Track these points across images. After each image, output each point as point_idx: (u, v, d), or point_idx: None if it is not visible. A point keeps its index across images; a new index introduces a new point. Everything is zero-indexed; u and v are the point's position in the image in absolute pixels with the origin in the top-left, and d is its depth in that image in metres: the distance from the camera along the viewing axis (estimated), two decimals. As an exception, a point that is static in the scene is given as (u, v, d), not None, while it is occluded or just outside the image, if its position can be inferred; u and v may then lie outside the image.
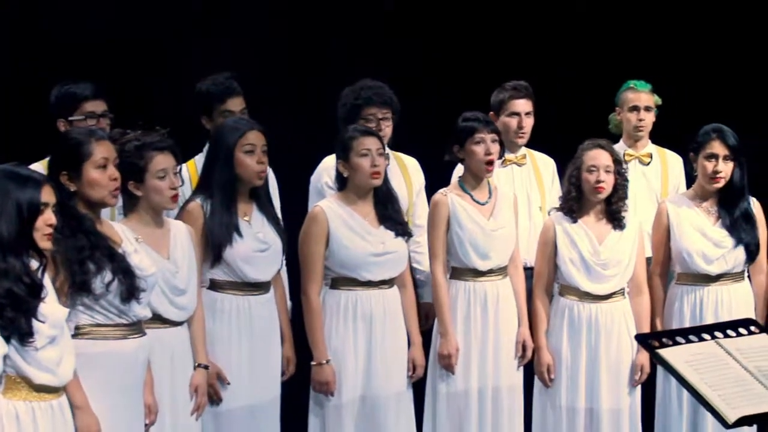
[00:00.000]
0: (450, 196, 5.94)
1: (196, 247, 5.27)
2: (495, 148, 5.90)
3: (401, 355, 5.78)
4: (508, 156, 6.47)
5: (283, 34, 7.53)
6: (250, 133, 5.49)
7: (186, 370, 5.20)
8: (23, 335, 4.07)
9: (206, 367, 5.26)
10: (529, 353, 6.01)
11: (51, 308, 4.18)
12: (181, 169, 5.29)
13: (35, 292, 4.11)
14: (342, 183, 5.76)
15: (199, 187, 5.54)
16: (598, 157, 5.92)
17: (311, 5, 7.56)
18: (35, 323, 4.10)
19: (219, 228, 5.38)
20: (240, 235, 5.42)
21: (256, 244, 5.46)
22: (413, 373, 5.83)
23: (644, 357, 5.91)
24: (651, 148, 6.84)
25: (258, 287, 5.51)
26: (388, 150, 5.98)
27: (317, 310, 5.67)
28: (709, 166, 6.04)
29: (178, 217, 5.39)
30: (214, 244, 5.37)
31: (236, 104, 6.10)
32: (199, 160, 5.93)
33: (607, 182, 5.91)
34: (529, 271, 6.14)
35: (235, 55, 7.19)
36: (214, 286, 5.46)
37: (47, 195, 4.16)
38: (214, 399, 5.38)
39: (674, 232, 6.11)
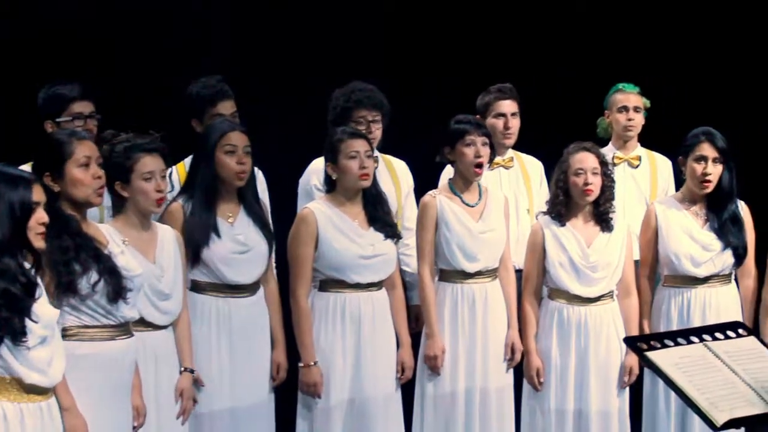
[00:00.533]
0: (439, 197, 5.94)
1: (182, 250, 5.27)
2: (485, 151, 5.90)
3: (390, 357, 5.78)
4: (495, 159, 6.47)
5: (274, 34, 7.53)
6: (231, 134, 5.49)
7: (170, 373, 5.18)
8: (16, 335, 4.07)
9: (192, 372, 5.25)
10: (518, 356, 6.01)
11: (44, 308, 4.18)
12: (171, 172, 5.28)
13: (31, 291, 4.11)
14: (331, 185, 5.76)
15: (184, 188, 5.55)
16: (584, 160, 5.92)
17: (301, 5, 7.56)
18: (28, 323, 4.09)
19: (197, 228, 5.38)
20: (218, 235, 5.41)
21: (235, 245, 5.45)
22: (402, 374, 5.83)
23: (633, 359, 5.91)
24: (640, 150, 6.85)
25: (239, 289, 5.49)
26: (376, 152, 5.98)
27: (306, 312, 5.66)
28: (699, 168, 6.05)
29: (160, 217, 5.38)
30: (192, 244, 5.36)
31: (227, 107, 6.10)
32: (188, 162, 5.93)
33: (595, 184, 5.92)
34: (517, 273, 6.14)
35: (225, 57, 7.19)
36: (195, 287, 5.45)
37: (38, 194, 4.17)
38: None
39: (662, 235, 6.12)
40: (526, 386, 6.07)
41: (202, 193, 5.44)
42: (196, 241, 5.38)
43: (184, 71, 6.51)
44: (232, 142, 5.46)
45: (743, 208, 6.15)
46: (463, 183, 5.98)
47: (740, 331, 4.50)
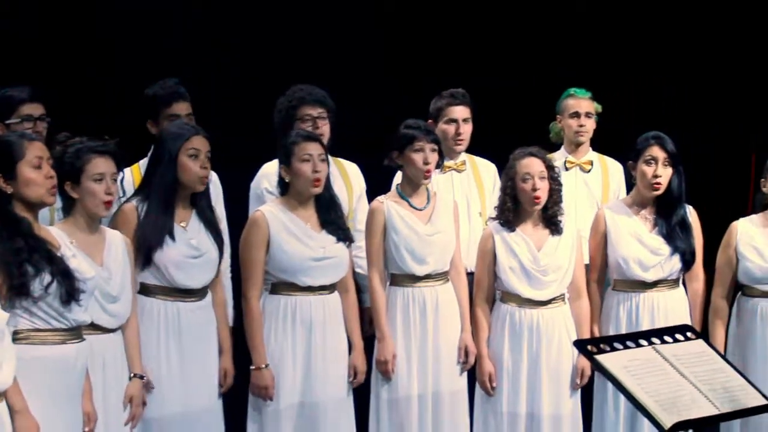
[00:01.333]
0: (386, 203, 5.96)
1: (131, 254, 5.25)
2: (434, 157, 5.92)
3: (341, 360, 5.78)
4: (447, 162, 6.49)
5: (228, 39, 7.54)
6: (195, 138, 5.47)
7: (119, 377, 5.16)
8: None
9: (141, 377, 5.24)
10: (471, 359, 6.03)
11: None
12: (123, 177, 5.26)
13: None
14: (284, 188, 5.76)
15: (139, 189, 5.52)
16: (531, 165, 5.95)
17: (257, 8, 7.57)
18: None
19: (151, 230, 5.36)
20: (173, 239, 5.40)
21: (188, 250, 5.44)
22: (354, 378, 5.84)
23: (585, 361, 5.92)
24: (592, 155, 6.89)
25: (189, 294, 5.48)
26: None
27: (257, 314, 5.66)
28: (649, 171, 6.09)
29: (113, 217, 5.36)
30: (144, 246, 5.34)
31: (183, 108, 6.10)
32: (143, 164, 5.91)
33: (543, 189, 5.94)
34: (469, 276, 6.16)
35: (180, 60, 7.19)
36: (144, 290, 5.42)
37: None
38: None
39: (611, 239, 6.16)
40: (478, 390, 6.08)
41: (160, 196, 5.40)
42: (149, 243, 5.36)
43: (137, 74, 6.51)
44: (195, 146, 5.45)
45: (691, 213, 6.20)
46: (411, 187, 5.99)
47: (689, 334, 4.54)
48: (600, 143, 6.91)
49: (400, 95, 6.53)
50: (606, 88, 6.90)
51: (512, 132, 6.73)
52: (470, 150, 6.67)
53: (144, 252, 5.35)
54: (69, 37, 7.19)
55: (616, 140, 6.68)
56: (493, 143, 6.48)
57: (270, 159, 6.14)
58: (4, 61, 6.89)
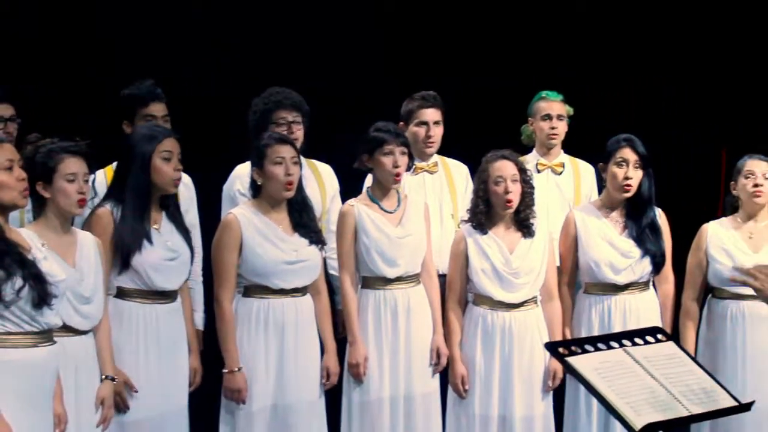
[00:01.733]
0: (357, 206, 5.96)
1: (103, 256, 5.23)
2: (403, 160, 5.93)
3: (314, 363, 5.78)
4: (419, 164, 6.50)
5: (228, 39, 7.55)
6: (167, 140, 5.46)
7: (91, 379, 5.15)
8: None
9: (113, 379, 5.22)
10: (443, 360, 6.03)
11: None
12: (94, 179, 5.25)
13: None
14: (256, 190, 5.76)
15: (110, 193, 5.49)
16: (503, 168, 5.96)
17: (257, 8, 7.57)
18: None
19: (129, 234, 5.35)
20: (150, 242, 5.39)
21: (166, 252, 5.43)
22: (327, 380, 5.84)
23: (557, 363, 5.93)
24: (563, 157, 6.90)
25: (165, 296, 5.47)
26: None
27: (229, 317, 5.66)
28: (620, 173, 6.11)
29: (86, 221, 5.35)
30: (122, 250, 5.34)
31: (159, 109, 6.10)
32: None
33: (515, 192, 5.95)
34: (441, 278, 6.17)
35: (180, 60, 7.20)
36: (122, 294, 5.41)
37: None
38: (121, 408, 5.34)
39: (582, 242, 6.18)
40: (451, 392, 6.09)
41: (134, 200, 5.39)
42: (128, 247, 5.34)
43: (138, 72, 6.51)
44: (168, 149, 5.44)
45: (661, 216, 6.22)
46: (381, 190, 6.00)
47: (659, 336, 4.55)
48: (598, 144, 6.93)
49: (400, 95, 6.53)
50: (606, 88, 6.90)
51: (512, 132, 6.77)
52: (470, 149, 6.65)
53: (122, 256, 5.34)
54: (69, 37, 7.18)
55: (587, 142, 6.69)
56: (493, 143, 6.49)
57: (242, 161, 6.14)
58: (4, 61, 6.88)
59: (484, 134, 6.76)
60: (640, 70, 7.17)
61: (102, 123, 5.86)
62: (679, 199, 6.73)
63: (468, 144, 6.58)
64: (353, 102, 7.09)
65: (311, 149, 6.34)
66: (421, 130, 6.53)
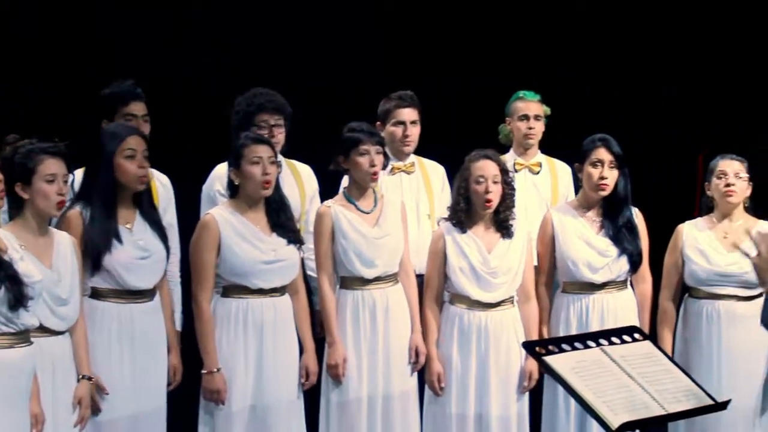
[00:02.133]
0: (334, 207, 5.96)
1: (78, 256, 5.22)
2: (379, 159, 5.93)
3: (292, 363, 5.78)
4: (396, 164, 6.51)
5: (228, 39, 7.54)
6: (130, 138, 5.45)
7: (67, 379, 5.15)
8: None
9: (90, 379, 5.22)
10: (422, 359, 6.04)
11: None
12: (74, 177, 5.24)
13: None
14: (234, 190, 5.75)
15: (80, 194, 5.47)
16: (485, 168, 5.97)
17: (257, 8, 7.57)
18: None
19: (98, 235, 5.33)
20: (120, 241, 5.37)
21: (137, 251, 5.42)
22: (306, 380, 5.84)
23: (533, 363, 5.96)
24: (540, 157, 6.91)
25: (140, 295, 5.46)
26: (281, 157, 5.98)
27: (208, 318, 5.65)
28: (595, 173, 6.13)
29: (57, 224, 5.33)
30: (92, 251, 5.32)
31: (139, 109, 6.09)
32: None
33: (495, 193, 5.97)
34: (419, 278, 6.18)
35: (180, 60, 7.19)
36: (96, 294, 5.40)
37: None
38: (94, 409, 5.32)
39: (559, 242, 6.19)
40: (427, 391, 6.10)
41: (102, 200, 5.38)
42: (97, 248, 5.33)
43: (138, 72, 6.50)
44: (131, 147, 5.42)
45: (637, 215, 6.24)
46: (358, 190, 6.00)
47: (636, 335, 4.58)
48: (548, 145, 6.95)
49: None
50: (606, 88, 6.90)
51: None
52: (471, 149, 6.66)
53: (93, 257, 5.33)
54: (69, 38, 7.16)
55: (563, 142, 6.71)
56: (493, 143, 6.52)
57: (222, 161, 6.13)
58: (4, 61, 6.86)
59: (484, 134, 6.77)
60: (640, 70, 7.17)
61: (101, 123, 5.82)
62: (671, 200, 6.74)
63: (468, 144, 6.59)
64: (353, 102, 7.08)
65: (311, 149, 6.32)
66: (398, 130, 6.54)
